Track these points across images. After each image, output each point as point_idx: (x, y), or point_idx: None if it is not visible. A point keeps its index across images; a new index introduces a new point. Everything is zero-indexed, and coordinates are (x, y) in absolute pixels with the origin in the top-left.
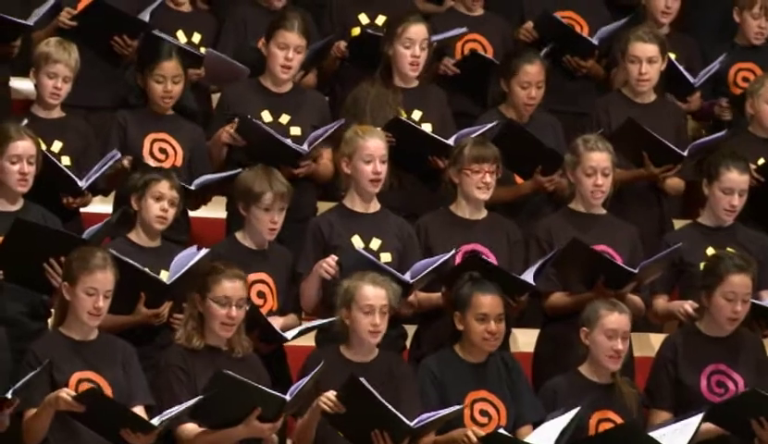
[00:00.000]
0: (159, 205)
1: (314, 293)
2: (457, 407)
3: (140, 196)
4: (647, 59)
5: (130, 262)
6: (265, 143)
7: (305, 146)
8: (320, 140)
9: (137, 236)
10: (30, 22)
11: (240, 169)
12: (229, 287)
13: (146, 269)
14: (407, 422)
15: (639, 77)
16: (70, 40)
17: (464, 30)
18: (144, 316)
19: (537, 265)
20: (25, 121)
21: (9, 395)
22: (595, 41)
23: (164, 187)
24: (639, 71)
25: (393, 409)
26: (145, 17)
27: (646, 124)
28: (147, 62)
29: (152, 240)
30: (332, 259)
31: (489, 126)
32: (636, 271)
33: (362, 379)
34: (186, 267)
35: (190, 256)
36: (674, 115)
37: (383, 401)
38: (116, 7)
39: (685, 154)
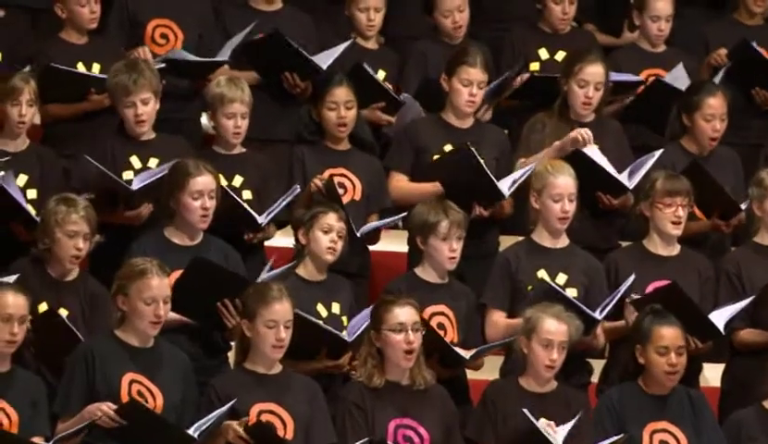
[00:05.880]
0: (329, 237)
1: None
2: (623, 434)
3: (307, 230)
4: None
5: (312, 319)
6: (472, 177)
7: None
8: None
9: (305, 270)
10: (225, 57)
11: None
12: (402, 312)
13: (331, 329)
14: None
15: None
16: (246, 68)
17: (640, 78)
18: (324, 367)
19: (730, 313)
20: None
21: (196, 435)
22: None
23: (332, 218)
24: None
25: (543, 429)
26: (321, 62)
27: None
28: (319, 93)
29: (320, 273)
30: None
31: (657, 155)
32: None
33: (525, 411)
34: (362, 328)
35: (364, 319)
36: None
37: (540, 429)
38: (293, 45)
39: None
